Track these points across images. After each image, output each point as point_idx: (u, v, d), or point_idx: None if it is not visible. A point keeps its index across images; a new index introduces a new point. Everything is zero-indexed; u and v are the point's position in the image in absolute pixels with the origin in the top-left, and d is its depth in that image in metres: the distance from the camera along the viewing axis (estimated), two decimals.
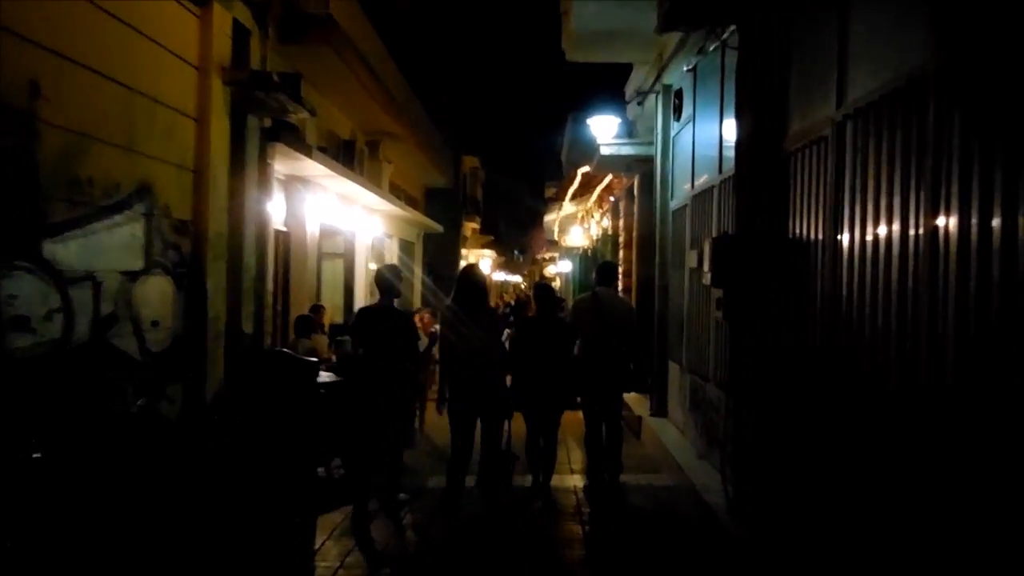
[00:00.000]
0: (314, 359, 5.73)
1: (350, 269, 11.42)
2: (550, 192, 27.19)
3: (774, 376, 4.20)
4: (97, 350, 4.03)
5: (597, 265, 6.37)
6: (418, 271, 17.53)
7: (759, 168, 4.29)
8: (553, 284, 34.19)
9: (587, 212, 14.83)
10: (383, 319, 5.00)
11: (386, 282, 5.12)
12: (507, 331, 6.13)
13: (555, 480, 5.62)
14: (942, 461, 2.53)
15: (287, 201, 8.28)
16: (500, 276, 46.12)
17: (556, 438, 5.49)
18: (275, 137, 6.11)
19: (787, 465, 3.97)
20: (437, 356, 8.14)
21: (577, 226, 15.71)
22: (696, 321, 6.23)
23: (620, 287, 10.05)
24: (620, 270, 10.19)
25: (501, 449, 5.13)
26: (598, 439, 5.60)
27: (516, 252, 52.11)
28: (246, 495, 4.64)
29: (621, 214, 10.55)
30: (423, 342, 6.53)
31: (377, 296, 5.25)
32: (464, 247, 27.61)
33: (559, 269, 26.50)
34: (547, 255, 33.16)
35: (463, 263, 31.99)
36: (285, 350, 6.07)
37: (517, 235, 45.79)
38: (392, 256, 14.61)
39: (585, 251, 15.46)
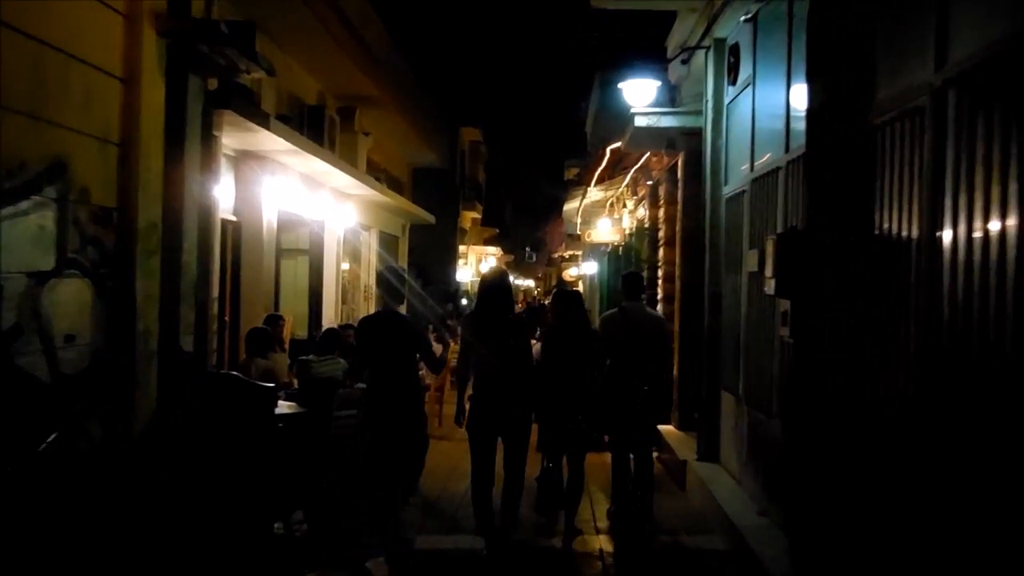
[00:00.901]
0: (271, 384, 5.75)
1: (317, 269, 11.42)
2: (571, 173, 27.22)
3: (851, 415, 4.14)
4: None
5: (622, 276, 6.93)
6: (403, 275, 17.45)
7: (836, 145, 4.27)
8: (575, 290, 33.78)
9: (618, 199, 14.82)
10: (386, 327, 5.44)
11: (390, 285, 5.65)
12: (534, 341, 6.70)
13: (577, 542, 5.75)
14: None
15: (238, 183, 8.28)
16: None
17: (583, 469, 5.91)
18: (223, 103, 6.14)
19: (867, 534, 3.92)
20: (427, 381, 8.73)
21: (605, 217, 15.58)
22: (756, 340, 6.17)
23: (660, 295, 10.21)
24: (660, 273, 10.32)
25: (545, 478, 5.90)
26: (625, 472, 6.17)
27: (528, 250, 52.10)
28: (184, 559, 4.61)
29: (661, 202, 10.50)
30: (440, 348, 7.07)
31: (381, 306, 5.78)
32: (462, 243, 27.66)
33: (582, 271, 26.48)
34: (567, 253, 33.17)
35: (461, 263, 31.75)
36: (234, 373, 6.11)
37: (529, 228, 45.91)
38: (370, 253, 14.63)
39: (615, 248, 15.34)
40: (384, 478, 5.28)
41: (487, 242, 33.66)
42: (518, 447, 5.37)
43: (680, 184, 9.08)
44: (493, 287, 5.58)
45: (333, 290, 11.84)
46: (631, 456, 6.33)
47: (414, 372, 5.45)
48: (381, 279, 5.80)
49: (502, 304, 5.51)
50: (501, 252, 33.96)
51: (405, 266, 18.25)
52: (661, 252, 10.37)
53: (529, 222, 45.41)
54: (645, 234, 11.68)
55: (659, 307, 10.25)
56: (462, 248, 27.43)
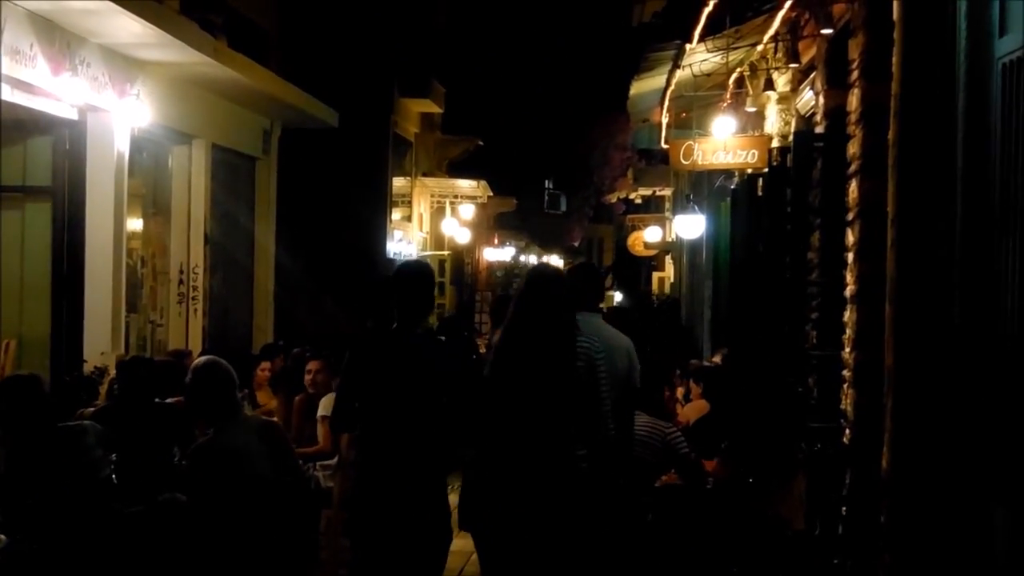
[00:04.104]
0: None
1: (70, 233, 11.80)
2: (648, 13, 26.58)
3: None
4: None
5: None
6: (268, 243, 17.25)
7: None
8: (664, 280, 33.71)
9: (754, 72, 15.24)
10: (410, 356, 7.17)
11: (417, 288, 7.42)
12: None
13: None
14: None
15: None
16: (502, 254, 46.10)
17: None
18: None
19: None
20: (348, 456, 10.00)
21: (726, 113, 15.91)
22: None
23: (850, 284, 10.54)
24: (850, 238, 10.60)
25: None
26: None
27: (548, 188, 52.03)
28: None
29: (854, 77, 10.62)
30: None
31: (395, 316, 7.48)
32: (400, 172, 27.38)
33: (675, 231, 26.26)
34: (637, 194, 32.92)
35: (398, 217, 31.60)
36: None
37: (550, 140, 45.67)
38: (195, 196, 15.14)
39: (748, 180, 15.53)
40: None
41: (455, 169, 33.41)
42: None
43: (898, 37, 8.96)
44: (534, 296, 7.20)
45: (107, 279, 12.17)
46: None
47: (436, 430, 7.13)
48: (403, 276, 7.63)
49: (551, 325, 7.13)
50: (487, 192, 33.76)
51: (271, 228, 18.25)
52: (854, 187, 10.47)
53: (550, 127, 45.12)
54: (815, 149, 11.82)
55: (848, 313, 10.41)
56: (400, 183, 27.23)
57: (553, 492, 6.92)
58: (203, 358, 8.69)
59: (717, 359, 14.51)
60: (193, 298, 15.29)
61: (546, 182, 49.07)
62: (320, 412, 10.79)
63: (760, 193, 14.84)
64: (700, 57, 14.87)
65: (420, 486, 7.02)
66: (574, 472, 7.01)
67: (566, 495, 6.94)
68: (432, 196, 31.22)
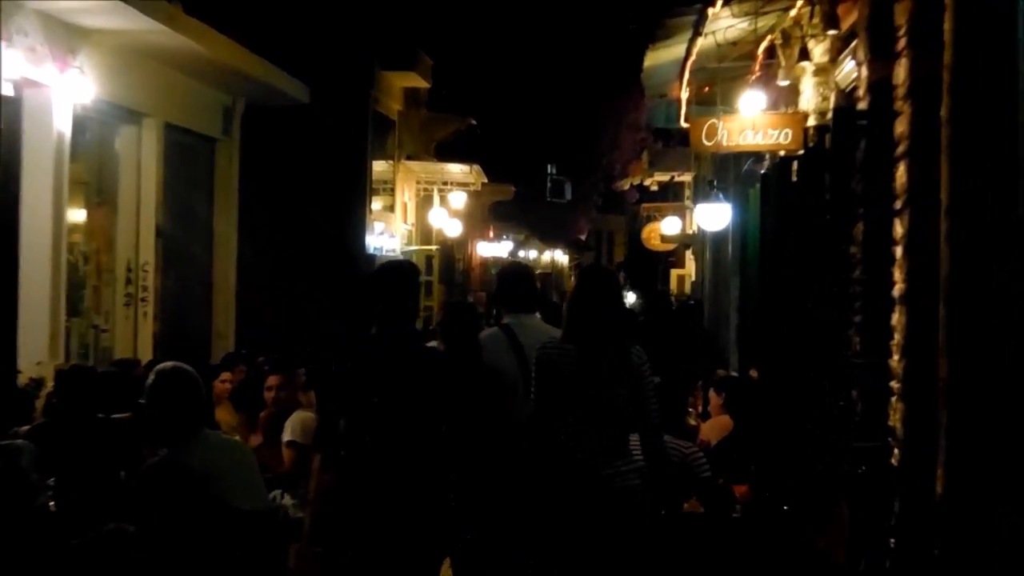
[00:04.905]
0: None
1: (3, 228, 11.96)
2: None
3: None
4: None
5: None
6: (230, 236, 17.10)
7: None
8: (683, 279, 33.97)
9: (786, 40, 15.29)
10: (400, 362, 7.55)
11: (399, 289, 7.71)
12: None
13: None
14: None
15: None
16: (499, 248, 45.81)
17: None
18: None
19: None
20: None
21: (753, 87, 16.14)
22: None
23: (898, 282, 10.46)
24: (898, 229, 10.57)
25: None
26: None
27: (551, 174, 52.12)
28: None
29: (900, 46, 10.56)
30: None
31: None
32: (382, 155, 27.74)
33: (696, 221, 26.34)
34: (652, 179, 32.62)
35: (378, 207, 31.55)
36: None
37: (552, 120, 45.44)
38: (144, 182, 15.29)
39: (780, 161, 15.54)
40: None
41: (444, 152, 33.37)
42: None
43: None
44: (590, 298, 7.69)
45: (45, 278, 12.29)
46: None
47: (435, 442, 7.53)
48: (385, 276, 7.88)
49: (609, 330, 7.64)
50: (481, 178, 33.84)
51: (232, 219, 18.17)
52: (902, 172, 10.35)
53: (553, 104, 44.85)
54: (858, 128, 11.68)
55: (896, 315, 10.29)
56: (381, 167, 27.94)
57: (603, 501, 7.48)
58: (168, 363, 8.29)
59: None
60: (143, 299, 15.31)
61: (548, 167, 49.10)
62: (286, 436, 10.49)
63: (794, 178, 14.91)
64: (725, 23, 14.94)
65: (414, 496, 7.35)
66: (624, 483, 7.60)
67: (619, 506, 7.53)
68: (418, 183, 31.76)
